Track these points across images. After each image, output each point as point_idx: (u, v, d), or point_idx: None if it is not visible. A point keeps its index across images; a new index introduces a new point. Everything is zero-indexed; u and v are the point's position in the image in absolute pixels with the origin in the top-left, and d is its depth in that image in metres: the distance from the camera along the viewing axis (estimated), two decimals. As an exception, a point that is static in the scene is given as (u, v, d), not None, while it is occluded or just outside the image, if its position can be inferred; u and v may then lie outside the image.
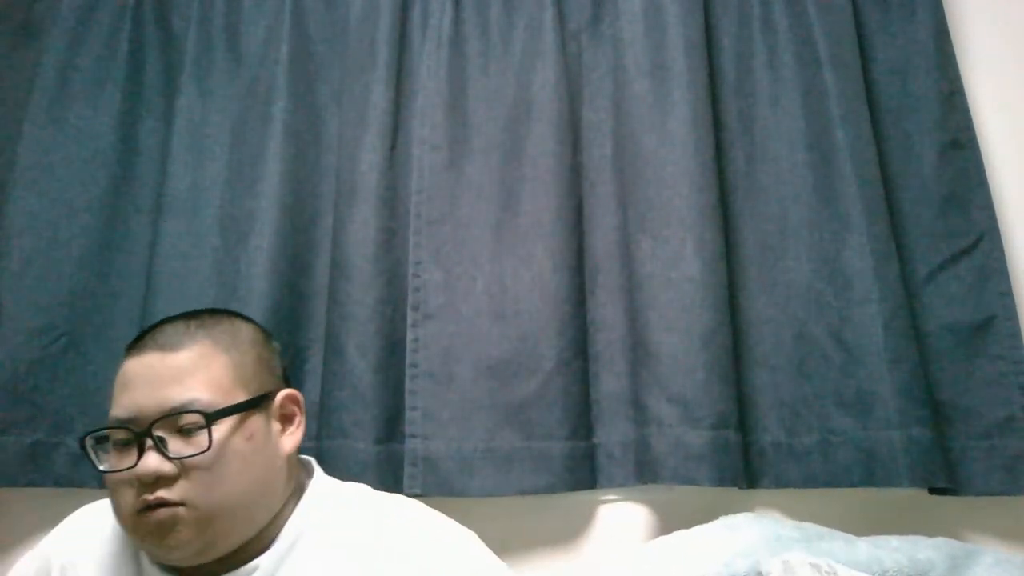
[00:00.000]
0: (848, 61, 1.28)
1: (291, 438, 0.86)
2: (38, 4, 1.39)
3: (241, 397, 0.81)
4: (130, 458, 0.76)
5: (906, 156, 1.28)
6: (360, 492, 0.90)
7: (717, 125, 1.29)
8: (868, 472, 1.12)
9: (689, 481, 1.12)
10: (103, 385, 1.23)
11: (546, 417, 1.17)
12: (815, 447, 1.17)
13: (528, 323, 1.21)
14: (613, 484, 1.19)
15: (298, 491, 0.87)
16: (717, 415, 1.13)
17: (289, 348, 1.24)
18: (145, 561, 0.83)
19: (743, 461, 1.15)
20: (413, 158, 1.28)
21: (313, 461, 0.93)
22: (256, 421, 0.82)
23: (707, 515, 1.08)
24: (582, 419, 1.20)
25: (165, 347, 0.80)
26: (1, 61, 1.36)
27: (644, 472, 1.16)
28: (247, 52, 1.36)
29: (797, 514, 1.19)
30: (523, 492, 1.14)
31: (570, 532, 1.22)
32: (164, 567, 0.81)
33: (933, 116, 1.28)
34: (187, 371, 0.79)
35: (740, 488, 1.15)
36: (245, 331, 0.87)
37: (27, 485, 1.19)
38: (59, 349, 1.22)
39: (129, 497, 0.76)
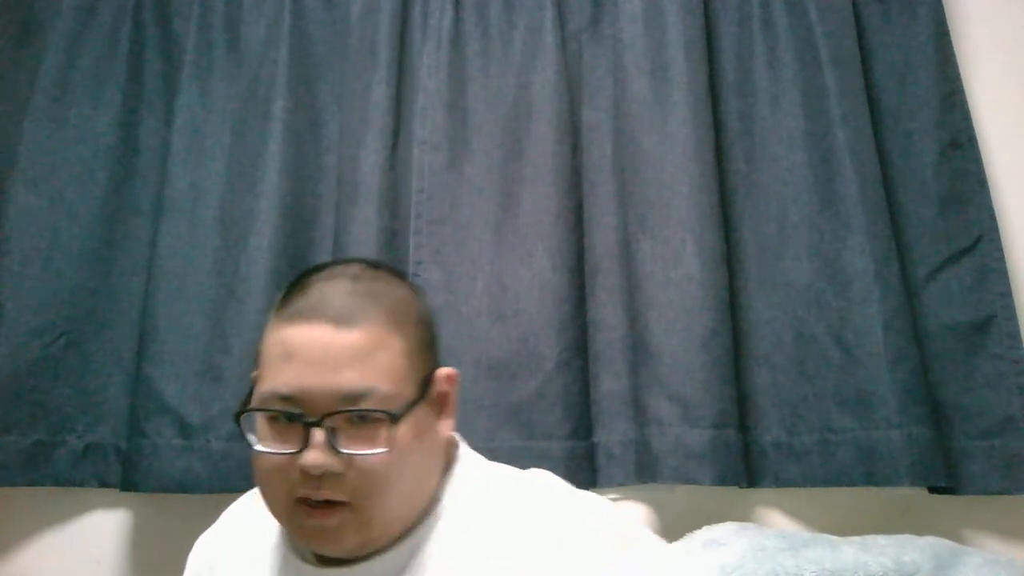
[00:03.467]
0: (848, 61, 1.28)
1: (448, 422, 0.78)
2: (38, 4, 1.38)
3: (412, 386, 0.72)
4: (291, 442, 0.67)
5: (906, 156, 1.28)
6: (502, 474, 0.83)
7: (717, 125, 1.29)
8: (868, 471, 1.12)
9: (689, 480, 1.12)
10: (103, 385, 1.24)
11: (546, 417, 1.17)
12: (815, 446, 1.17)
13: (528, 323, 1.21)
14: (613, 483, 1.19)
15: (447, 469, 0.79)
16: (717, 414, 1.14)
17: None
18: (288, 549, 0.76)
19: (743, 460, 1.15)
20: (414, 158, 1.29)
21: (456, 435, 0.84)
22: (422, 412, 0.72)
23: (707, 515, 1.07)
24: (582, 419, 1.20)
25: (338, 321, 0.70)
26: (1, 61, 1.36)
27: (644, 471, 1.16)
28: (247, 52, 1.36)
29: (797, 513, 1.19)
30: (523, 492, 1.14)
31: (570, 532, 1.22)
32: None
33: (933, 116, 1.28)
34: (364, 355, 0.69)
35: (740, 487, 1.15)
36: (413, 306, 0.77)
37: (27, 485, 1.19)
38: (59, 349, 1.22)
39: (287, 486, 0.68)
